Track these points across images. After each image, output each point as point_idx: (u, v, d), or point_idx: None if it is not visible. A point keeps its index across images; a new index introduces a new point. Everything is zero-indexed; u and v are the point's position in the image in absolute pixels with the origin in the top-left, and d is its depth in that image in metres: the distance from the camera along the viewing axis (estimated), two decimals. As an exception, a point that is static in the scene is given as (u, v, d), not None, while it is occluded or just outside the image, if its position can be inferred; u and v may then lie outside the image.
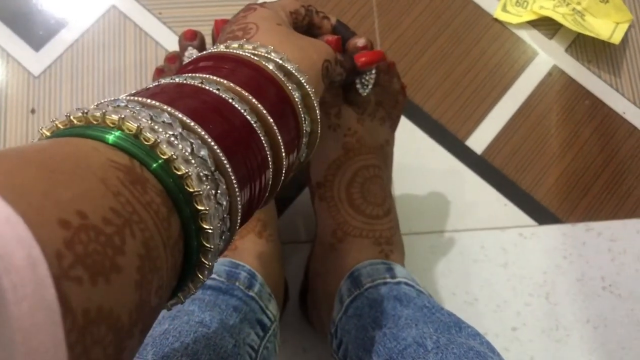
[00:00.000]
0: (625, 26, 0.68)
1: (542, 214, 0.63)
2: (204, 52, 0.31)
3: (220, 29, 0.41)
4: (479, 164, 0.64)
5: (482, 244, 0.62)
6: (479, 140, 0.65)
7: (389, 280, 0.46)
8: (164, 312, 0.42)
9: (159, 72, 0.51)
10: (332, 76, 0.38)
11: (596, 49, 0.69)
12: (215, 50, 0.31)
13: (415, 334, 0.40)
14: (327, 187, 0.50)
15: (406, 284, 0.46)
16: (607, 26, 0.68)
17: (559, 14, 0.67)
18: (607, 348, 0.60)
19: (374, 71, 0.48)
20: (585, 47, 0.69)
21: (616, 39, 0.67)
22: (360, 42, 0.43)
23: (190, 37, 0.49)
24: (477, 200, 0.63)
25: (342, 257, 0.49)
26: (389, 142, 0.53)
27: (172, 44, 0.65)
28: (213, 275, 0.45)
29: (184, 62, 0.47)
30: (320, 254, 0.52)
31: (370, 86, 0.49)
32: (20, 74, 0.64)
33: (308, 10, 0.41)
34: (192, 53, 0.48)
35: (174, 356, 0.37)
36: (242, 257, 0.48)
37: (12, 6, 0.66)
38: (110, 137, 0.20)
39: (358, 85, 0.48)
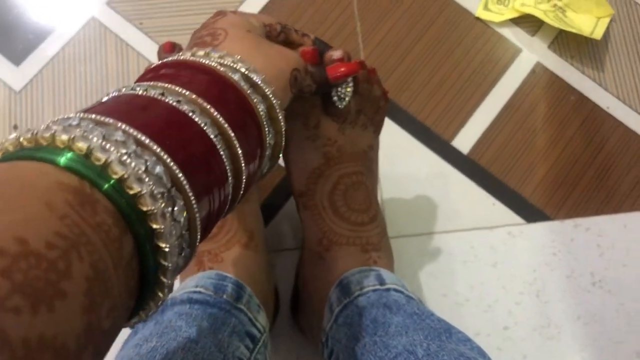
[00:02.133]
0: (606, 21, 0.68)
1: (530, 212, 0.63)
2: (169, 59, 0.31)
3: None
4: (466, 164, 0.64)
5: (471, 244, 0.62)
6: (465, 140, 0.65)
7: (378, 287, 0.45)
8: (151, 330, 0.41)
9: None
10: (300, 86, 0.38)
11: (579, 45, 0.69)
12: (181, 57, 0.31)
13: (405, 342, 0.40)
14: (309, 196, 0.50)
15: (395, 290, 0.45)
16: (588, 21, 0.68)
17: (541, 11, 0.67)
18: (599, 343, 0.60)
19: (350, 84, 0.47)
20: (567, 43, 0.69)
21: (598, 34, 0.67)
22: (336, 54, 0.43)
23: (169, 49, 0.48)
24: (465, 200, 0.63)
25: (330, 266, 0.49)
26: (372, 148, 0.52)
27: (154, 54, 0.65)
28: (200, 289, 0.45)
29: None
30: (308, 263, 0.52)
31: (347, 99, 0.47)
32: (1, 90, 0.63)
33: (285, 27, 0.41)
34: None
35: None
36: (229, 268, 0.48)
37: (-10, 21, 0.65)
38: (62, 159, 0.20)
39: (335, 99, 0.47)
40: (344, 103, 0.47)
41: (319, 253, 0.50)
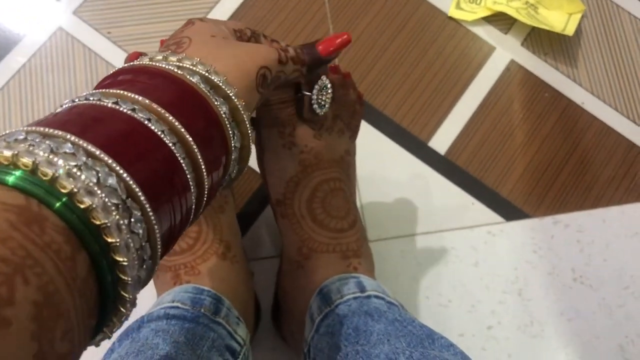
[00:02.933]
0: (578, 17, 0.68)
1: (509, 210, 0.63)
2: (126, 65, 0.30)
3: None
4: (443, 165, 0.64)
5: (452, 245, 0.62)
6: (442, 141, 0.64)
7: (358, 294, 0.45)
8: (127, 348, 0.40)
9: None
10: (279, 79, 0.37)
11: (552, 42, 0.69)
12: (138, 63, 0.30)
13: (387, 350, 0.39)
14: (287, 205, 0.49)
15: (376, 296, 0.45)
16: (560, 18, 0.68)
17: (513, 9, 0.68)
18: (582, 339, 0.60)
19: (330, 90, 0.46)
20: (540, 40, 0.69)
21: (570, 30, 0.67)
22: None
23: (136, 58, 0.47)
24: (444, 201, 0.63)
25: (310, 275, 0.48)
26: (349, 152, 0.51)
27: (122, 62, 0.64)
28: (177, 304, 0.44)
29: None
30: (288, 272, 0.51)
31: (327, 105, 0.46)
32: (-35, 104, 0.62)
33: (254, 32, 0.40)
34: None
35: None
36: (206, 281, 0.47)
37: (-48, 34, 0.63)
38: (10, 179, 0.19)
39: (315, 106, 0.45)
40: (325, 110, 0.46)
41: (299, 262, 0.49)
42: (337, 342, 0.42)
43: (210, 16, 0.66)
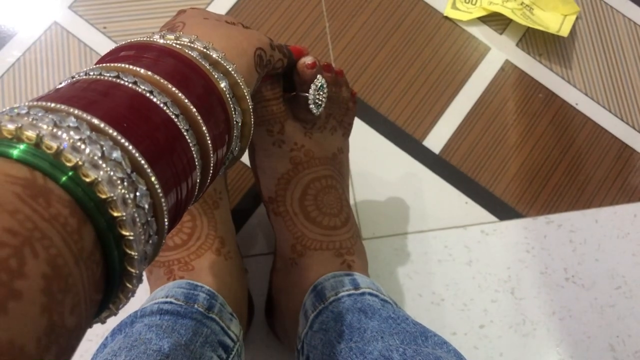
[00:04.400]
0: (572, 18, 0.69)
1: (502, 210, 0.63)
2: (124, 42, 0.29)
3: None
4: (438, 164, 0.64)
5: (446, 244, 0.62)
6: (436, 140, 0.65)
7: (352, 291, 0.45)
8: (120, 343, 0.40)
9: None
10: (269, 63, 0.37)
11: (546, 42, 0.69)
12: (137, 40, 0.29)
13: (381, 347, 0.39)
14: (279, 202, 0.49)
15: (370, 294, 0.45)
16: (555, 19, 0.69)
17: (508, 9, 0.68)
18: (574, 338, 0.61)
19: (326, 89, 0.46)
20: (535, 40, 0.69)
21: (565, 31, 0.68)
22: (308, 59, 0.43)
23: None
24: (438, 199, 0.63)
25: (303, 272, 0.48)
26: (342, 150, 0.51)
27: (118, 58, 0.64)
28: (170, 299, 0.43)
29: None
30: (281, 270, 0.51)
31: (322, 106, 0.46)
32: (-41, 98, 0.61)
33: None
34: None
35: None
36: (201, 277, 0.47)
37: (-54, 27, 0.63)
38: (15, 152, 0.19)
39: (312, 105, 0.45)
40: (321, 109, 0.46)
41: (293, 259, 0.49)
42: (331, 339, 0.42)
43: (210, 9, 0.66)
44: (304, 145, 0.48)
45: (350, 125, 0.53)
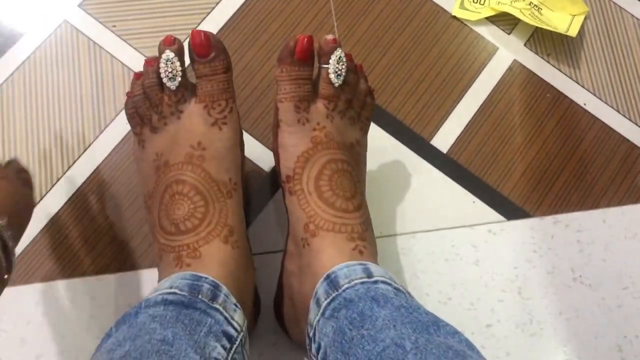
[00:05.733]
0: (581, 18, 0.69)
1: (510, 209, 0.63)
2: None
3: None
4: (445, 163, 0.64)
5: (453, 243, 0.62)
6: (444, 139, 0.65)
7: (365, 279, 0.45)
8: (124, 333, 0.40)
9: (138, 76, 0.51)
10: None
11: (554, 42, 0.69)
12: None
13: (393, 335, 0.39)
14: (296, 180, 0.50)
15: (383, 282, 0.45)
16: (563, 19, 0.69)
17: (517, 9, 0.68)
18: (581, 338, 0.61)
19: (344, 59, 0.50)
20: (543, 40, 0.69)
21: (573, 31, 0.68)
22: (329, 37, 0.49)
23: (170, 42, 0.49)
24: (445, 199, 0.63)
25: (316, 254, 0.49)
26: (359, 143, 0.53)
27: (127, 56, 0.64)
28: (174, 290, 0.44)
29: (161, 64, 0.48)
30: (294, 253, 0.52)
31: (342, 76, 0.50)
32: (-30, 95, 0.62)
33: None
34: (168, 55, 0.48)
35: None
36: (206, 265, 0.47)
37: (-43, 25, 0.63)
38: None
39: (331, 75, 0.50)
40: (340, 80, 0.50)
41: (305, 239, 0.49)
42: (342, 326, 0.42)
43: (217, 9, 0.66)
44: (325, 127, 0.50)
45: (368, 120, 0.55)
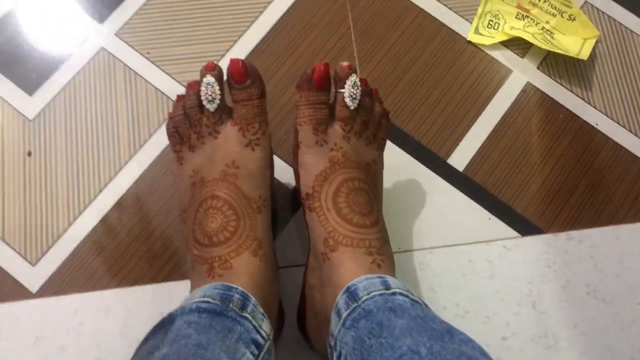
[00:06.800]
0: (592, 42, 0.71)
1: (524, 226, 0.66)
2: None
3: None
4: (462, 181, 0.67)
5: (469, 258, 0.65)
6: (460, 158, 0.68)
7: (384, 291, 0.47)
8: (162, 338, 0.43)
9: (180, 98, 0.56)
10: None
11: (567, 65, 0.72)
12: None
13: (410, 343, 0.42)
14: (315, 198, 0.53)
15: (401, 294, 0.48)
16: (575, 43, 0.71)
17: (529, 34, 0.71)
18: (595, 352, 0.62)
19: (359, 84, 0.53)
20: (556, 63, 0.72)
21: (584, 54, 0.70)
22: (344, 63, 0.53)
23: (211, 68, 0.53)
24: (462, 215, 0.66)
25: (336, 268, 0.51)
26: (375, 162, 0.56)
27: (161, 81, 0.68)
28: (207, 299, 0.47)
29: (202, 88, 0.53)
30: (315, 267, 0.54)
31: (357, 100, 0.53)
32: (15, 118, 0.66)
33: None
34: (209, 80, 0.52)
35: None
36: (236, 276, 0.50)
37: (4, 52, 0.68)
38: None
39: (347, 99, 0.53)
40: (355, 103, 0.53)
41: (325, 254, 0.52)
42: (362, 335, 0.45)
43: (245, 37, 0.70)
44: (342, 147, 0.54)
45: (384, 140, 0.58)
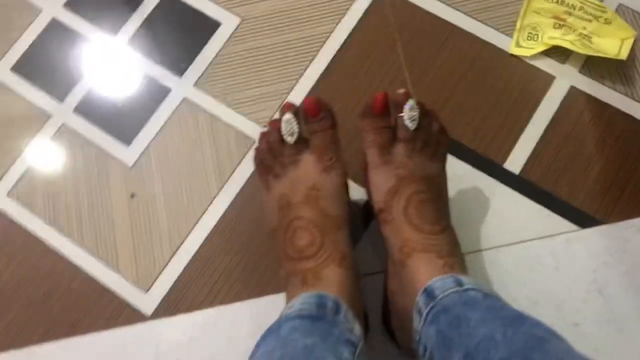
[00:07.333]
0: (630, 41, 0.76)
1: (583, 218, 0.70)
2: None
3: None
4: (519, 183, 0.72)
5: (534, 253, 0.70)
6: (516, 161, 0.73)
7: (457, 288, 0.53)
8: (272, 344, 0.50)
9: (264, 135, 0.64)
10: None
11: (608, 66, 0.77)
12: None
13: (485, 331, 0.48)
14: (388, 212, 0.60)
15: (473, 289, 0.53)
16: (613, 44, 0.76)
17: (567, 41, 0.76)
18: (665, 331, 0.66)
19: (417, 107, 0.60)
20: (597, 65, 0.77)
21: (624, 54, 0.75)
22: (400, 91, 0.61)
23: (289, 107, 0.62)
24: (522, 215, 0.71)
25: (412, 273, 0.57)
26: (439, 176, 0.63)
27: (238, 122, 0.77)
28: (305, 307, 0.53)
29: (282, 124, 0.61)
30: (393, 273, 0.61)
31: (416, 121, 0.60)
32: (117, 166, 0.76)
33: None
34: (288, 117, 0.61)
35: None
36: (327, 285, 0.57)
37: (102, 112, 0.79)
38: None
39: (407, 122, 0.60)
40: (415, 124, 0.60)
41: (401, 261, 0.58)
42: (443, 328, 0.51)
43: (308, 71, 0.79)
44: (407, 165, 0.60)
45: (445, 155, 0.64)
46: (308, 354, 0.48)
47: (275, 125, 0.62)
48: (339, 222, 0.61)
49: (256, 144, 0.66)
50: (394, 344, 0.66)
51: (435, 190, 0.62)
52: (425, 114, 0.62)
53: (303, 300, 0.55)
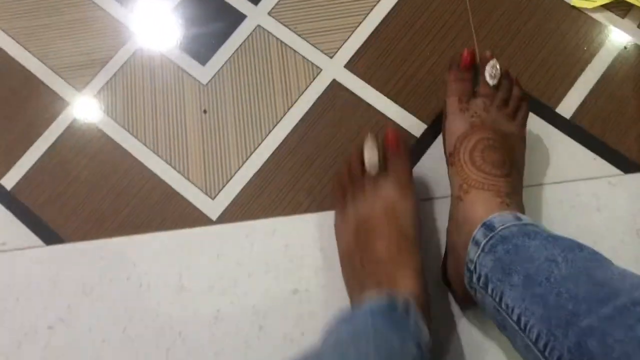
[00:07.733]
0: (691, 1, 0.78)
1: (627, 164, 0.74)
2: None
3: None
4: (569, 127, 0.76)
5: (577, 192, 0.74)
6: (568, 107, 0.77)
7: (517, 222, 0.57)
8: (345, 332, 0.55)
9: (347, 165, 0.68)
10: None
11: (665, 23, 0.79)
12: None
13: (546, 254, 0.51)
14: (455, 155, 0.65)
15: (532, 224, 0.57)
16: (674, 2, 0.79)
17: (630, -4, 0.79)
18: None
19: (498, 67, 0.66)
20: (655, 22, 0.80)
21: (683, 12, 0.78)
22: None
23: (373, 139, 0.67)
24: (569, 157, 0.75)
25: (468, 208, 0.61)
26: (515, 135, 0.66)
27: (306, 51, 0.82)
28: (377, 302, 0.57)
29: (365, 154, 0.66)
30: (453, 207, 0.65)
31: (496, 79, 0.66)
32: (192, 84, 0.82)
33: None
34: (370, 146, 0.66)
35: None
36: (400, 287, 0.60)
37: (181, 33, 0.84)
38: None
39: (487, 77, 0.66)
40: (495, 81, 0.65)
41: (459, 197, 0.63)
42: (501, 256, 0.54)
43: (368, 18, 0.83)
44: (481, 116, 0.65)
45: (523, 123, 0.68)
46: (379, 338, 0.52)
47: (355, 157, 0.67)
48: (411, 238, 0.63)
49: (311, 72, 0.74)
50: (452, 296, 0.70)
51: (507, 145, 0.65)
52: (507, 77, 0.67)
53: (375, 301, 0.58)
